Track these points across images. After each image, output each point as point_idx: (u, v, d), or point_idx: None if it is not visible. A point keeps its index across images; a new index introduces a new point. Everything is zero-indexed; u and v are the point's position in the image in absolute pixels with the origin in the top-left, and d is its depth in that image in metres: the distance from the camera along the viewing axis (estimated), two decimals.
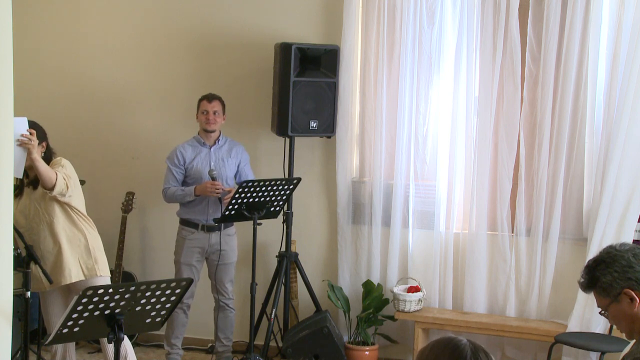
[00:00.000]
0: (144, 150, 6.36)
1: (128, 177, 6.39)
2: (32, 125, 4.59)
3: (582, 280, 2.72)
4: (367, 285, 5.86)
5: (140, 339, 6.30)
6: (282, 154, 5.94)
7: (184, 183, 5.62)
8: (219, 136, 5.71)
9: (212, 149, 5.66)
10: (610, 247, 2.70)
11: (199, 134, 5.71)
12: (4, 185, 3.53)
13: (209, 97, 5.65)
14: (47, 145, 4.80)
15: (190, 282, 3.62)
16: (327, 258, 6.19)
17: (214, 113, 5.61)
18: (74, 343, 5.13)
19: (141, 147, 6.37)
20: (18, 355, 5.08)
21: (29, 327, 4.42)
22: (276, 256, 5.91)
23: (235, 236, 5.74)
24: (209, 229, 5.61)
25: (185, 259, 5.61)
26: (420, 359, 2.24)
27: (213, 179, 5.47)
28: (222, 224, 5.58)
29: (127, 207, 6.15)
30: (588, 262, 2.73)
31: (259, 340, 5.82)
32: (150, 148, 6.34)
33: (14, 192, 4.64)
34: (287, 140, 5.92)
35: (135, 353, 5.06)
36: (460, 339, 2.23)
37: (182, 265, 5.63)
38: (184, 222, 5.66)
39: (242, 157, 5.76)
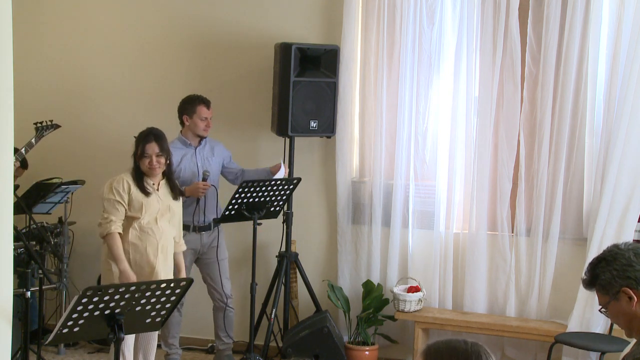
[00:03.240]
0: None
1: None
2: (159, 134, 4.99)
3: (584, 277, 2.74)
4: (367, 285, 5.86)
5: None
6: (282, 154, 5.94)
7: None
8: None
9: (197, 150, 5.65)
10: (614, 245, 2.72)
11: (181, 133, 5.68)
12: (4, 185, 3.53)
13: (208, 103, 5.63)
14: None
15: (190, 282, 3.62)
16: (327, 258, 6.19)
17: (210, 119, 5.63)
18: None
19: None
20: (18, 355, 5.08)
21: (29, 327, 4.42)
22: (276, 256, 5.91)
23: (222, 233, 5.73)
24: (200, 229, 5.60)
25: None
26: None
27: (204, 179, 5.47)
28: (211, 223, 5.59)
29: None
30: (592, 259, 2.75)
31: (259, 340, 5.81)
32: None
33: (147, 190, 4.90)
34: (287, 140, 5.92)
35: None
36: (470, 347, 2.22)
37: None
38: None
39: (224, 154, 5.78)
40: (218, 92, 5.79)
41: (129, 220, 4.89)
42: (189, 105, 5.63)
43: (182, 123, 5.66)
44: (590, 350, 5.25)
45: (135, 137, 4.98)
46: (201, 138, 5.66)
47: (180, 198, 5.11)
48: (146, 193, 4.91)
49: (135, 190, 4.89)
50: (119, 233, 4.85)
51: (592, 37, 5.40)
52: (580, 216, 5.61)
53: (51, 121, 5.69)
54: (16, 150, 5.29)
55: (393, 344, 5.94)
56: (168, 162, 5.00)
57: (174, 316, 5.65)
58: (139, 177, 4.93)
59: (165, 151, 4.96)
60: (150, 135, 4.95)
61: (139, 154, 4.93)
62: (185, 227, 5.57)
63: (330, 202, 6.13)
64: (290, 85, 5.67)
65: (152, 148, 4.91)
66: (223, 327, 5.76)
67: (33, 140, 5.55)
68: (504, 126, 5.67)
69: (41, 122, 5.63)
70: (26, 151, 5.47)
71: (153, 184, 4.96)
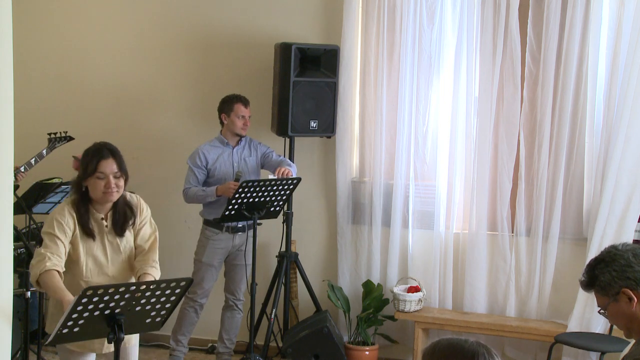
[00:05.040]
0: (144, 150, 6.35)
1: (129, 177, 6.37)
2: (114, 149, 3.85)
3: (582, 278, 2.74)
4: (367, 285, 5.86)
5: (141, 339, 6.26)
6: (282, 154, 5.94)
7: (206, 183, 5.59)
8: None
9: (234, 149, 5.65)
10: (612, 246, 2.72)
11: (221, 133, 5.67)
12: (4, 185, 3.53)
13: (245, 102, 5.61)
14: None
15: (190, 282, 3.61)
16: (327, 258, 6.19)
17: (249, 118, 5.62)
18: None
19: (141, 147, 6.36)
20: (18, 355, 5.09)
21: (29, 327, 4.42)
22: (276, 256, 5.92)
23: (256, 238, 5.70)
24: (233, 230, 5.60)
25: (208, 259, 5.60)
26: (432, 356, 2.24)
27: (237, 180, 5.45)
28: (246, 225, 5.57)
29: None
30: (590, 260, 2.75)
31: (259, 340, 5.82)
32: (150, 148, 6.35)
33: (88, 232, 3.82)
34: (287, 140, 5.93)
35: None
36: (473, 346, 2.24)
37: (203, 265, 5.61)
38: (208, 223, 5.62)
39: (261, 151, 5.73)
40: (218, 92, 5.79)
41: (67, 269, 3.75)
42: (227, 104, 5.63)
43: (221, 122, 5.66)
44: (590, 350, 5.26)
45: (74, 156, 3.82)
46: (240, 138, 5.65)
47: (131, 229, 3.90)
48: (90, 234, 3.78)
49: (78, 230, 3.76)
50: (57, 271, 3.62)
51: (592, 37, 5.40)
52: (580, 216, 5.61)
53: (65, 132, 5.65)
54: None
55: (393, 344, 5.95)
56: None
57: (191, 316, 5.68)
58: (85, 209, 3.77)
59: (124, 172, 3.80)
60: (105, 150, 3.78)
61: (88, 174, 3.74)
62: (219, 227, 5.58)
63: (330, 202, 6.13)
64: (290, 85, 5.68)
65: (110, 166, 3.74)
66: (228, 329, 5.75)
67: (44, 152, 5.52)
68: (504, 126, 5.67)
69: (55, 133, 5.58)
70: (36, 161, 5.45)
71: (102, 219, 3.82)
